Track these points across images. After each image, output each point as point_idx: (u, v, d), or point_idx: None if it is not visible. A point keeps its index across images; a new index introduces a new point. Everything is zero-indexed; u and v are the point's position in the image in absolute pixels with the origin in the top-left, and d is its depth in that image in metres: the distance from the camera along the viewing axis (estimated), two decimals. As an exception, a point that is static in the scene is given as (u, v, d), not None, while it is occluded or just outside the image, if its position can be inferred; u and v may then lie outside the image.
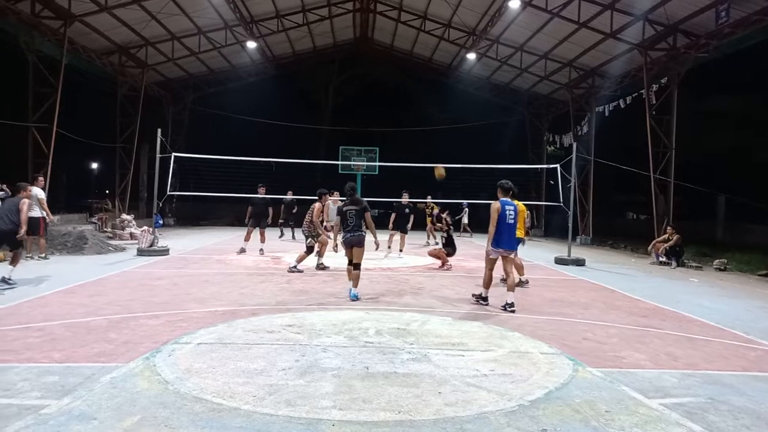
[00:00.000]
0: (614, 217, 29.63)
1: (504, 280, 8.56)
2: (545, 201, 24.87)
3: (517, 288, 7.92)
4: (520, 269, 9.27)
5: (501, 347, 5.21)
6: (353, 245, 7.62)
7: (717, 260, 13.84)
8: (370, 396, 3.78)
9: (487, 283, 7.48)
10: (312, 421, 3.33)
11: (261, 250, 13.37)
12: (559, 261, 13.19)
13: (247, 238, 13.41)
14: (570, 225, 13.90)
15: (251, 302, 7.11)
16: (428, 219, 18.18)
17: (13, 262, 8.09)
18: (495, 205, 7.34)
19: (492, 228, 7.26)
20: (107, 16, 17.26)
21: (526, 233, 10.46)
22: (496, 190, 7.58)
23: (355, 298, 7.45)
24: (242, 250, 13.17)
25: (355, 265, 7.62)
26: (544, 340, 5.51)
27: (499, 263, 7.53)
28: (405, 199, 14.69)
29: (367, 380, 4.12)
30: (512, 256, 7.61)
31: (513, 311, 6.98)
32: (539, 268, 12.52)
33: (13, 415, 3.29)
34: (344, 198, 8.49)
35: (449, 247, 11.63)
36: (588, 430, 3.35)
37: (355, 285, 7.59)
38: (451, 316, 6.62)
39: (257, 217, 13.45)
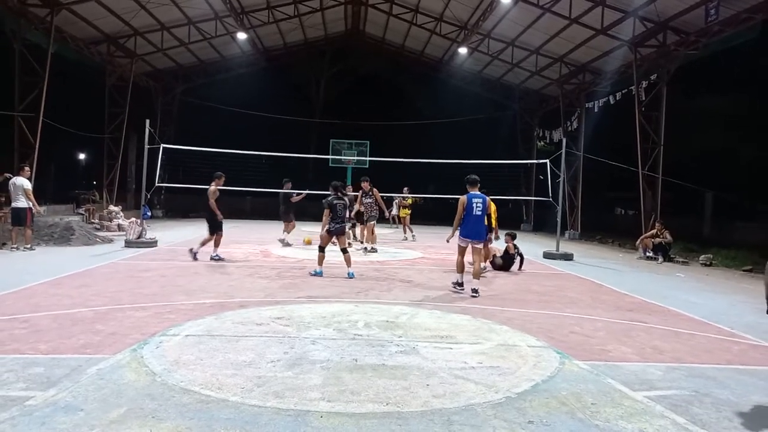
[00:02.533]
0: (603, 212, 29.82)
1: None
2: (535, 196, 24.99)
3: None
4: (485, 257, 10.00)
5: (489, 340, 5.25)
6: (341, 234, 9.05)
7: (703, 256, 14.01)
8: (358, 388, 3.79)
9: (460, 268, 8.02)
10: (300, 413, 3.33)
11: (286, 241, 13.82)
12: (548, 255, 13.27)
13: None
14: (559, 220, 13.99)
15: (240, 294, 7.10)
16: (403, 211, 17.99)
17: (215, 244, 10.36)
18: (461, 198, 7.94)
19: (457, 220, 7.92)
20: (95, 4, 17.00)
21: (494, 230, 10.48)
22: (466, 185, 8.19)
23: (353, 276, 8.79)
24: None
25: (344, 250, 9.07)
26: (532, 334, 5.55)
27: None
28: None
29: (356, 372, 4.13)
30: (480, 246, 8.12)
31: (476, 296, 7.58)
32: (528, 262, 12.55)
33: (-3, 406, 3.26)
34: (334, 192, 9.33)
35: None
36: (574, 422, 3.38)
37: (350, 265, 9.02)
38: (439, 309, 6.64)
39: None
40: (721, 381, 4.30)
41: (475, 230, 7.85)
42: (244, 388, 3.71)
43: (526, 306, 7.10)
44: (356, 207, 13.33)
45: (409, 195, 17.73)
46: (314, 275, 8.85)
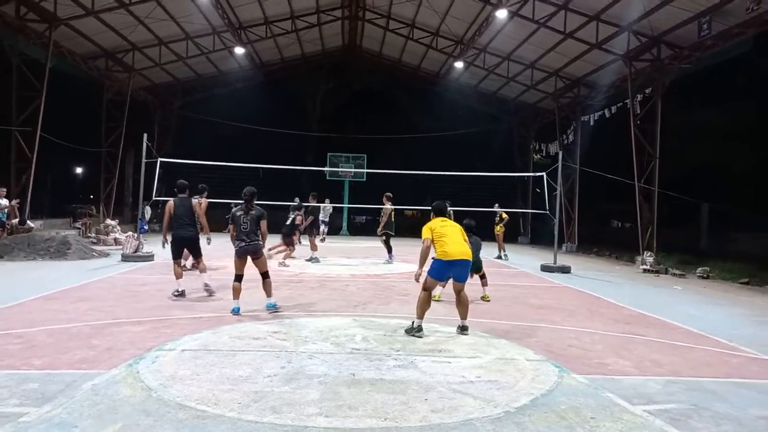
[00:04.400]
0: (599, 225, 29.88)
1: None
2: (531, 209, 25.04)
3: None
4: None
5: (487, 354, 5.22)
6: (250, 254, 6.98)
7: (700, 268, 14.01)
8: (356, 403, 3.76)
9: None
10: (297, 429, 3.31)
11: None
12: (545, 268, 13.26)
13: (314, 247, 13.68)
14: (556, 233, 14.00)
15: (237, 309, 7.04)
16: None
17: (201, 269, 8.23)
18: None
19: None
20: (94, 20, 17.12)
21: None
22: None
23: (274, 308, 7.05)
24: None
25: (264, 274, 7.09)
26: (530, 347, 5.53)
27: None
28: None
29: (354, 387, 4.10)
30: None
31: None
32: (525, 275, 12.58)
33: (-9, 423, 3.23)
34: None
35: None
36: (573, 436, 3.36)
37: (270, 293, 7.13)
38: (437, 322, 6.61)
39: (311, 225, 13.92)
40: (721, 394, 4.28)
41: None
42: (240, 403, 3.68)
43: (524, 319, 7.08)
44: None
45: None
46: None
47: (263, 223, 7.06)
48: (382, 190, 14.20)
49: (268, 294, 7.06)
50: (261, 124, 26.53)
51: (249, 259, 6.96)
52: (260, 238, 7.01)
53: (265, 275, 7.04)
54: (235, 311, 6.72)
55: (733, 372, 4.99)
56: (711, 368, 5.10)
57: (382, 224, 13.70)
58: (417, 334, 5.83)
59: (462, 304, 6.16)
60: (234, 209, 7.12)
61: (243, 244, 6.87)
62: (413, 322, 5.96)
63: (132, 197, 25.14)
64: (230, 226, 7.03)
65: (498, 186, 19.14)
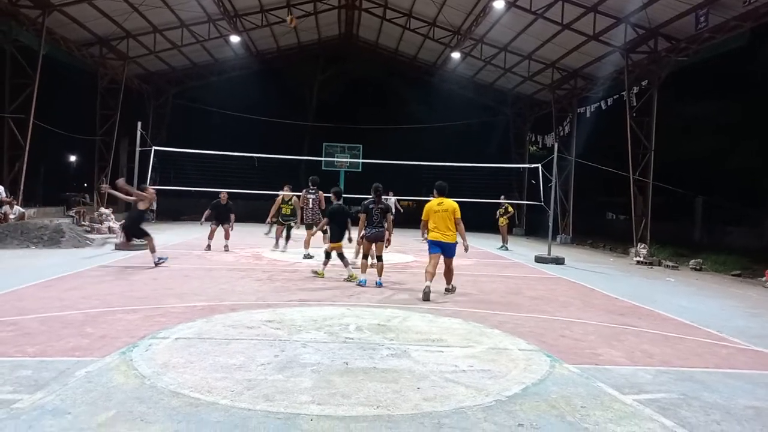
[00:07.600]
0: (594, 217, 29.94)
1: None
2: (527, 200, 25.10)
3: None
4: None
5: (480, 343, 5.26)
6: (377, 240, 8.51)
7: (693, 260, 14.10)
8: (349, 391, 3.79)
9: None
10: (290, 416, 3.32)
11: (225, 246, 12.91)
12: (540, 259, 13.31)
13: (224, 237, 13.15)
14: (550, 224, 14.04)
15: (231, 298, 7.06)
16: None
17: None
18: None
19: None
20: (87, 6, 16.95)
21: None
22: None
23: (380, 285, 8.39)
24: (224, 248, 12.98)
25: (378, 257, 8.59)
26: (523, 337, 5.57)
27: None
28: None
29: (347, 375, 4.12)
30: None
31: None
32: (519, 266, 12.63)
33: (-16, 410, 3.23)
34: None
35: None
36: (564, 425, 3.39)
37: (380, 274, 8.55)
38: (431, 312, 6.65)
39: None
40: (710, 384, 4.33)
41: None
42: (234, 391, 3.70)
43: (517, 309, 7.11)
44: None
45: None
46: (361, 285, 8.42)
47: (389, 216, 8.54)
48: (378, 180, 14.17)
49: (379, 274, 8.52)
50: (256, 114, 26.39)
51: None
52: (385, 228, 8.48)
53: (379, 258, 8.58)
54: (362, 283, 8.41)
55: (723, 362, 5.04)
56: (701, 359, 5.15)
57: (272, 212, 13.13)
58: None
59: (448, 271, 8.08)
60: (366, 202, 8.59)
61: (374, 230, 8.43)
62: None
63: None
64: (362, 216, 8.47)
65: (494, 177, 19.23)
